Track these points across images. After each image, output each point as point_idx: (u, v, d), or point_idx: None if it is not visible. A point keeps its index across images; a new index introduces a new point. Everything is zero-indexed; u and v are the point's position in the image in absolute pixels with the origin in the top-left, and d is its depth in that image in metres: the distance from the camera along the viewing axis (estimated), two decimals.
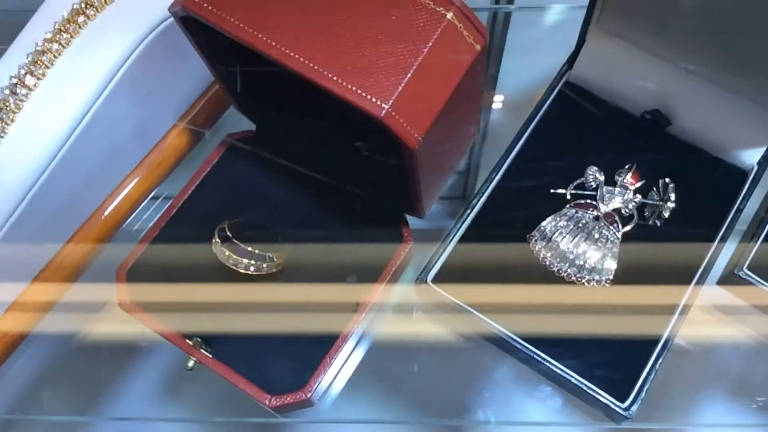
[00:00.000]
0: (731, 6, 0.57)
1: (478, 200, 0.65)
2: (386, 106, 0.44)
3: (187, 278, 0.60)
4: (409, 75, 0.44)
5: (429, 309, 0.67)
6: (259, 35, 0.46)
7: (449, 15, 0.45)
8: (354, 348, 0.67)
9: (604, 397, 0.58)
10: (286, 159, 0.65)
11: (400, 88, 0.44)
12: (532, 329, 0.60)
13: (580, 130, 0.68)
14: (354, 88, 0.44)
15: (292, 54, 0.45)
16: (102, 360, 0.70)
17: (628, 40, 0.67)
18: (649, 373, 0.58)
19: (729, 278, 0.62)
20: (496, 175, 0.66)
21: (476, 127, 0.61)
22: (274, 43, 0.45)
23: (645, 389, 0.58)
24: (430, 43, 0.45)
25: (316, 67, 0.45)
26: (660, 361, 0.58)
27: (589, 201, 0.63)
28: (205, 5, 0.47)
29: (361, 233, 0.63)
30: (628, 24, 0.66)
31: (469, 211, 0.64)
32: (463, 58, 0.46)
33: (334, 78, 0.44)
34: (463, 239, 0.64)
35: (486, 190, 0.65)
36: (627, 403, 0.57)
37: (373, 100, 0.44)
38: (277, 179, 0.65)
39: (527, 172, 0.67)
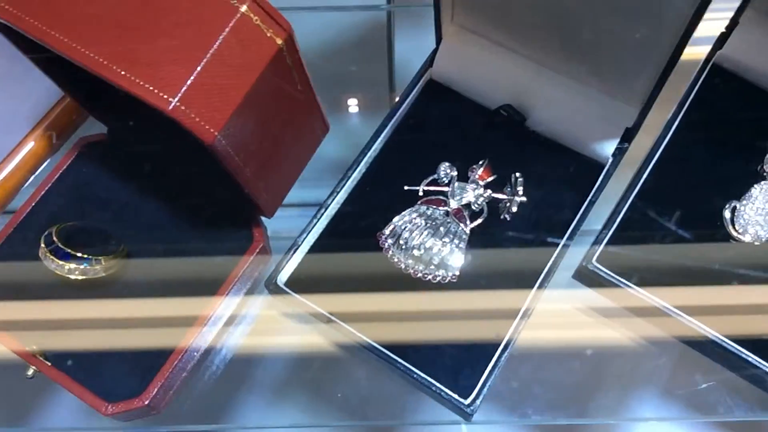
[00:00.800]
0: (577, 1, 0.57)
1: (333, 199, 0.64)
2: (174, 101, 0.43)
3: (25, 290, 0.58)
4: (198, 68, 0.44)
5: (290, 315, 0.66)
6: (51, 31, 0.45)
7: (243, 8, 0.45)
8: (216, 357, 0.66)
9: (450, 396, 0.57)
10: (136, 161, 0.64)
11: (189, 82, 0.43)
12: (386, 334, 0.59)
13: (440, 128, 0.68)
14: (142, 83, 0.43)
15: (81, 49, 0.44)
16: None
17: (482, 35, 0.67)
18: (490, 373, 0.58)
19: (581, 272, 0.62)
20: (353, 173, 0.65)
21: (321, 126, 0.60)
22: (64, 39, 0.45)
23: (486, 387, 0.57)
24: (222, 37, 0.44)
25: (104, 62, 0.44)
26: (502, 360, 0.58)
27: (439, 197, 0.63)
28: (2, 4, 0.46)
29: (211, 236, 0.62)
30: (480, 19, 0.66)
31: (323, 210, 0.64)
32: (262, 51, 0.46)
33: (123, 72, 0.44)
34: (317, 242, 0.64)
35: (340, 190, 0.64)
36: (469, 400, 0.57)
37: (161, 94, 0.43)
38: (127, 183, 0.64)
39: (385, 171, 0.67)
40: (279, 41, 0.46)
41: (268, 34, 0.45)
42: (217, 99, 0.44)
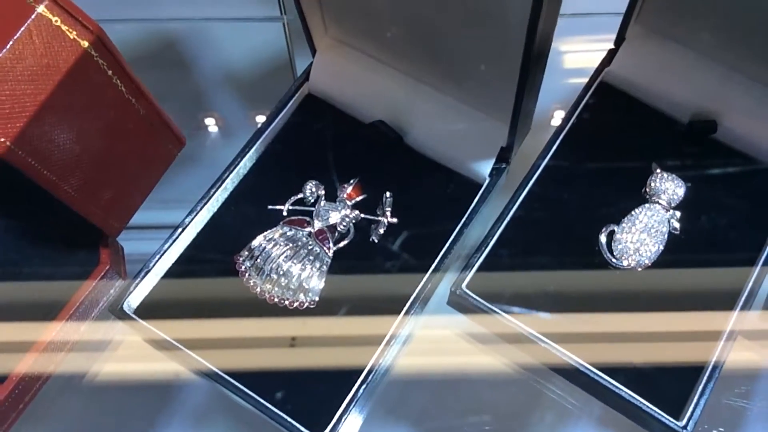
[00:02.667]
0: (431, 11, 0.54)
1: (192, 219, 0.60)
2: None
3: None
4: None
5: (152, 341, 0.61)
6: None
7: (40, 8, 0.41)
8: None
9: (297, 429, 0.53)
10: None
11: None
12: (236, 361, 0.55)
13: (316, 144, 0.64)
14: None
15: None
16: None
17: (358, 48, 0.64)
18: (350, 403, 0.54)
19: (452, 297, 0.58)
20: (215, 191, 0.61)
21: (172, 141, 0.56)
22: None
23: (344, 419, 0.53)
24: (15, 38, 0.40)
25: None
26: (362, 390, 0.54)
27: (303, 217, 0.59)
28: None
29: (56, 258, 0.58)
30: (354, 33, 0.63)
31: (180, 231, 0.59)
32: (64, 55, 0.42)
33: None
34: (174, 265, 0.59)
35: (200, 210, 0.60)
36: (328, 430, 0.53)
37: None
38: None
39: (253, 189, 0.63)
40: (85, 44, 0.42)
41: (71, 36, 0.41)
42: (9, 106, 0.40)
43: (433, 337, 0.62)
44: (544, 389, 0.60)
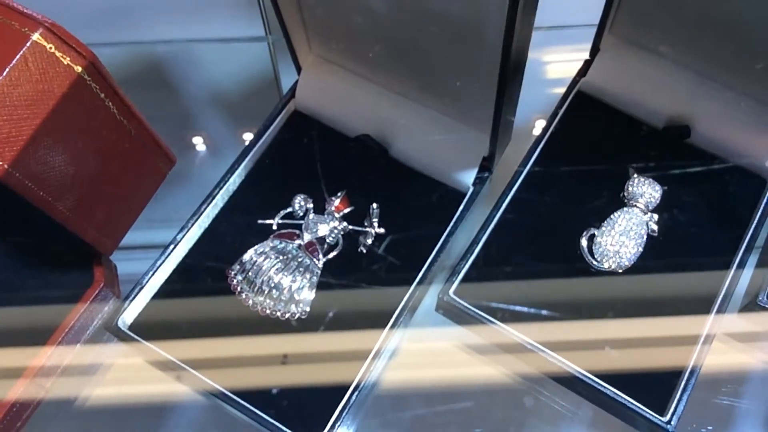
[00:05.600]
0: (412, 29, 0.56)
1: (183, 236, 0.61)
2: None
3: None
4: None
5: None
6: None
7: (35, 35, 0.42)
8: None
9: None
10: None
11: None
12: (230, 378, 0.56)
13: (303, 159, 0.66)
14: None
15: None
16: None
17: (341, 65, 0.66)
18: (340, 416, 0.55)
19: (440, 304, 0.60)
20: (206, 208, 0.62)
21: (163, 160, 0.58)
22: None
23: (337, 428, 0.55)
24: (12, 65, 0.42)
25: None
26: (353, 401, 0.55)
27: (292, 230, 0.61)
28: None
29: (50, 278, 0.59)
30: (337, 50, 0.65)
31: (172, 248, 0.61)
32: (59, 80, 0.43)
33: None
34: (167, 282, 0.60)
35: (191, 226, 0.61)
36: None
37: None
38: None
39: (244, 205, 0.64)
40: (78, 69, 0.44)
41: (65, 62, 0.43)
42: (6, 131, 0.42)
43: (422, 348, 0.63)
44: (535, 395, 0.61)
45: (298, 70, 0.67)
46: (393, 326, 0.58)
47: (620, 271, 0.59)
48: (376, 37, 0.59)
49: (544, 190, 0.63)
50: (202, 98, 0.76)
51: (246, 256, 0.59)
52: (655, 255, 0.60)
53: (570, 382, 0.57)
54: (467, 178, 0.63)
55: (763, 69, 0.61)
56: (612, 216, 0.61)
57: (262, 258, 0.59)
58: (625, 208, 0.61)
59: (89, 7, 0.75)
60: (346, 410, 0.55)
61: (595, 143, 0.66)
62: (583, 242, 0.60)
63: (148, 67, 0.76)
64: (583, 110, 0.67)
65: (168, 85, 0.76)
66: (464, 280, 0.59)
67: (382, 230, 0.61)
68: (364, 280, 0.60)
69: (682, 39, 0.63)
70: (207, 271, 0.61)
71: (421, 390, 0.62)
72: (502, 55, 0.46)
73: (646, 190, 0.61)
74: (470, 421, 0.62)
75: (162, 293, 0.60)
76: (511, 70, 0.49)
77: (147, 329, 0.58)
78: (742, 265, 0.59)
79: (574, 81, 0.68)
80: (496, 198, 0.63)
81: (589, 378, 0.55)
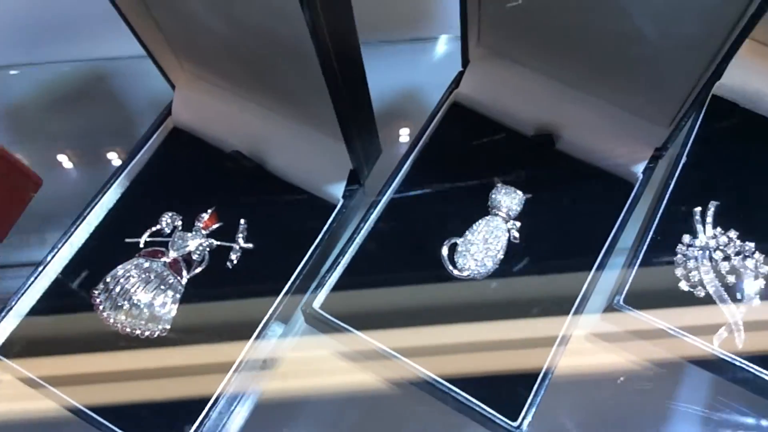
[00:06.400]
0: (259, 48, 0.57)
1: (53, 256, 0.61)
2: None
3: None
4: None
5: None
6: None
7: None
8: None
9: None
10: None
11: None
12: (99, 397, 0.57)
13: (182, 176, 0.66)
14: None
15: None
16: None
17: (212, 82, 0.67)
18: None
19: (305, 316, 0.61)
20: (76, 228, 0.63)
21: (27, 184, 0.58)
22: None
23: None
24: None
25: None
26: (212, 415, 0.56)
27: (157, 248, 0.61)
28: None
29: None
30: (206, 67, 0.65)
31: (41, 268, 0.61)
32: None
33: None
34: (38, 303, 0.61)
35: (61, 246, 0.62)
36: None
37: None
38: None
39: (119, 223, 0.64)
40: None
41: None
42: None
43: (300, 357, 0.64)
44: (404, 403, 0.62)
45: (173, 87, 0.67)
46: (257, 337, 0.58)
47: (479, 278, 0.60)
48: (230, 55, 0.59)
49: (414, 200, 0.64)
50: (73, 118, 0.77)
51: (109, 276, 0.60)
52: (517, 261, 0.61)
53: (428, 388, 0.58)
54: (337, 190, 0.64)
55: (623, 78, 0.62)
56: (473, 225, 0.62)
57: (124, 277, 0.59)
58: (487, 217, 0.62)
59: None
60: (204, 424, 0.55)
61: (467, 153, 0.67)
62: (444, 251, 0.61)
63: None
64: (456, 120, 0.68)
65: (40, 108, 0.76)
66: (331, 289, 0.60)
67: (249, 245, 0.62)
68: (230, 294, 0.60)
69: (544, 50, 0.64)
70: (78, 291, 0.61)
71: (296, 398, 0.63)
72: (322, 69, 0.47)
73: (506, 199, 0.62)
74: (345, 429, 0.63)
75: (32, 314, 0.61)
76: (339, 83, 0.50)
77: (17, 350, 0.59)
78: (602, 267, 0.61)
79: (449, 91, 0.69)
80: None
81: (442, 384, 0.56)
